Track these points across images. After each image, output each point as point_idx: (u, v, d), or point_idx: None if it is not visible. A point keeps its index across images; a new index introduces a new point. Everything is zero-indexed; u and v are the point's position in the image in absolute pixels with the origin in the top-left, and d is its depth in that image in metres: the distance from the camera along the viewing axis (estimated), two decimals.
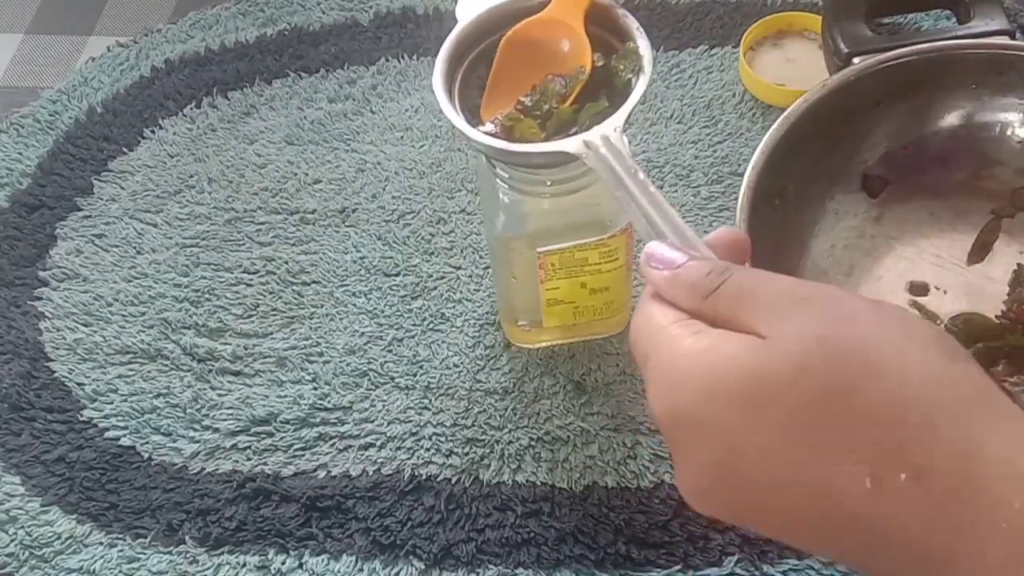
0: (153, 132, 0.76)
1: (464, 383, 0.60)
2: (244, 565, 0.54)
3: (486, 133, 0.44)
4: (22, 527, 0.56)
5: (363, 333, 0.63)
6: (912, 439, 0.27)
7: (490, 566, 0.53)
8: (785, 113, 0.56)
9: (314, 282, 0.65)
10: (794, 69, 0.73)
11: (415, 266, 0.66)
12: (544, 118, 0.46)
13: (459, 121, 0.44)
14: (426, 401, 0.59)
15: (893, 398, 0.27)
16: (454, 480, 0.56)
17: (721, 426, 0.29)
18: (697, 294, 0.32)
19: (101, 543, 0.55)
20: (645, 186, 0.37)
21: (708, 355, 0.30)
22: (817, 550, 0.31)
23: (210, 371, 0.62)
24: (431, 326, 0.63)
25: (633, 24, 0.46)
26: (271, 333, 0.63)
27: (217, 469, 0.58)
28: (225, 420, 0.59)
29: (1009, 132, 0.59)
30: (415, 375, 0.60)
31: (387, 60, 0.78)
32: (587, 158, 0.41)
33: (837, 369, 0.28)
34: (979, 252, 0.56)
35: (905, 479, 0.27)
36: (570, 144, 0.41)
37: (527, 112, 0.46)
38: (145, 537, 0.55)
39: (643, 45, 0.45)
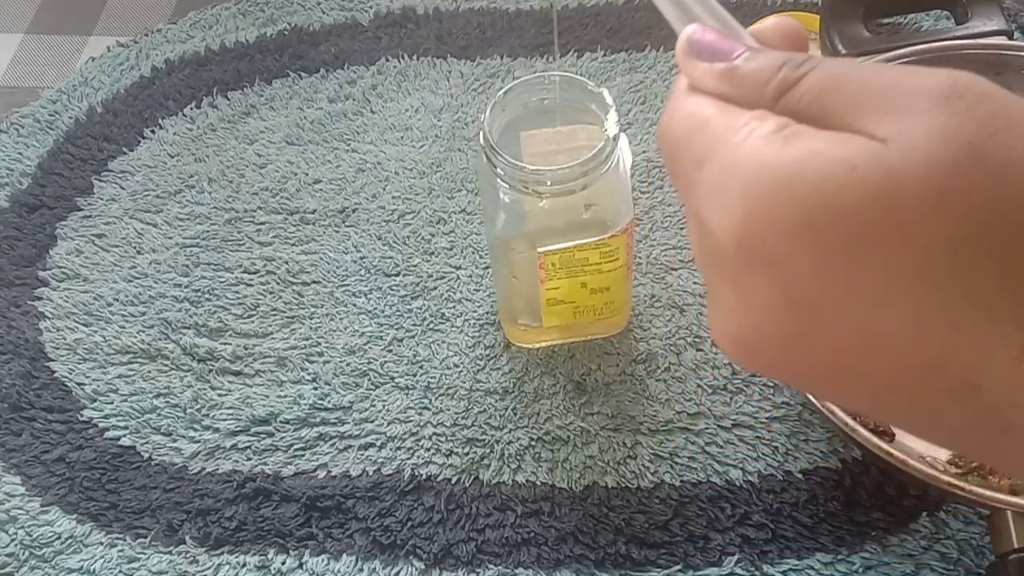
0: (153, 132, 0.76)
1: (464, 383, 0.60)
2: (244, 565, 0.54)
3: None
4: (22, 527, 0.56)
5: (363, 333, 0.63)
6: None
7: (490, 566, 0.53)
8: None
9: (314, 282, 0.65)
10: None
11: (415, 266, 0.66)
12: None
13: None
14: (426, 401, 0.59)
15: None
16: (454, 480, 0.56)
17: (819, 261, 0.22)
18: (766, 93, 0.24)
19: (101, 543, 0.55)
20: None
21: (813, 162, 0.22)
22: (903, 423, 0.24)
23: (210, 371, 0.62)
24: (431, 326, 0.63)
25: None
26: (271, 333, 0.63)
27: (217, 469, 0.58)
28: (225, 420, 0.59)
29: None
30: (415, 375, 0.60)
31: (387, 60, 0.78)
32: None
33: (998, 195, 0.20)
34: None
35: None
36: None
37: None
38: (145, 537, 0.55)
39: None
